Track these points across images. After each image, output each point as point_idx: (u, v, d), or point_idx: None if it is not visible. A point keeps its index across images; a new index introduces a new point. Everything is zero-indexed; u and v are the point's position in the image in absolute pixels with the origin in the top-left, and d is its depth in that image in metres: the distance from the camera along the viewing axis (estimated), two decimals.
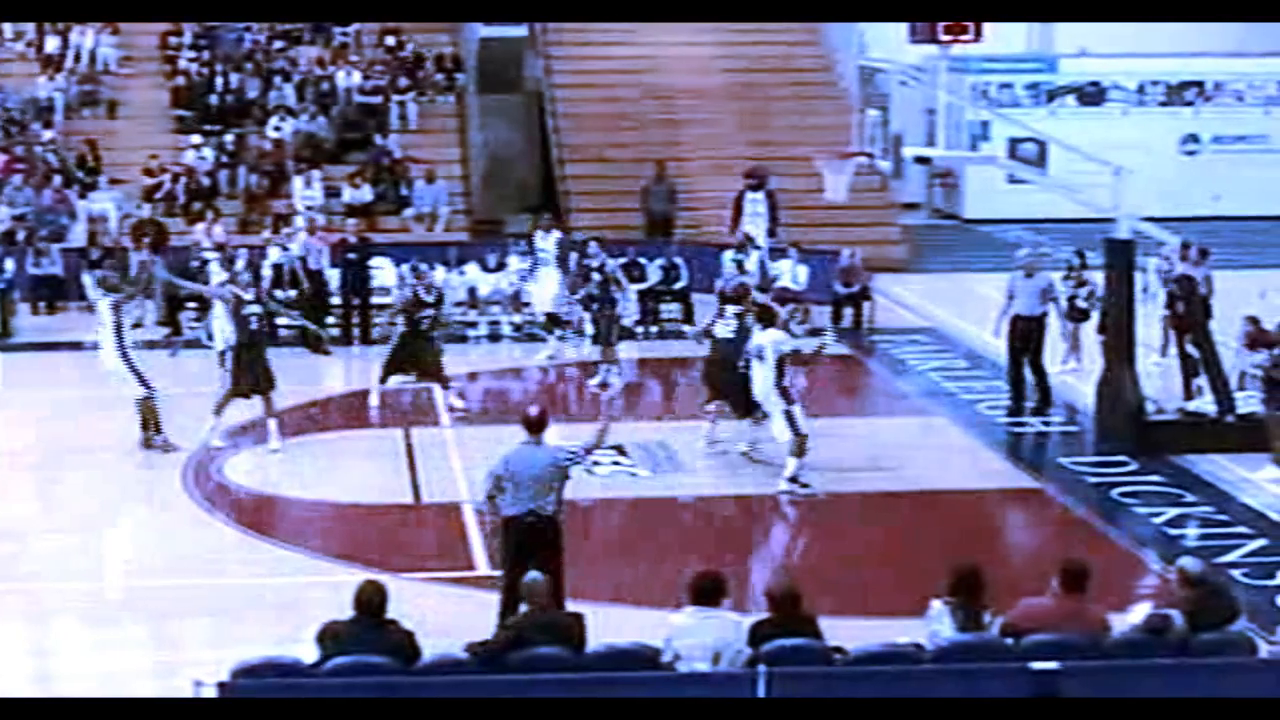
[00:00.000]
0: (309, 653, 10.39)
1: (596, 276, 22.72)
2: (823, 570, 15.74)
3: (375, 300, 25.49)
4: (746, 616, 10.85)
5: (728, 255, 25.31)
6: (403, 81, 33.41)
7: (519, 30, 33.45)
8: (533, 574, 10.96)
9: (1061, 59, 37.42)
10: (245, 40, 33.98)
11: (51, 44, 33.42)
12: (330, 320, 25.22)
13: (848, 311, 26.58)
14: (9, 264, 26.86)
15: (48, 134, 31.51)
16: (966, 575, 10.77)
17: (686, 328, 25.37)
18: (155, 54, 34.15)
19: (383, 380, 21.01)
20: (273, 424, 19.22)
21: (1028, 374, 21.11)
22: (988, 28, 20.24)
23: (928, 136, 23.38)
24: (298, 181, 30.67)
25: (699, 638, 10.49)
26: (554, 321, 24.60)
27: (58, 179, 30.28)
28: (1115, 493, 17.83)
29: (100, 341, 19.39)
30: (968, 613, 10.65)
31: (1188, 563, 11.13)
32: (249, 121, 32.49)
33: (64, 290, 27.46)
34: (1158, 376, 21.35)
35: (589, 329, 23.34)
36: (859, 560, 16.11)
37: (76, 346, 23.56)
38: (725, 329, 18.91)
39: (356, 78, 33.14)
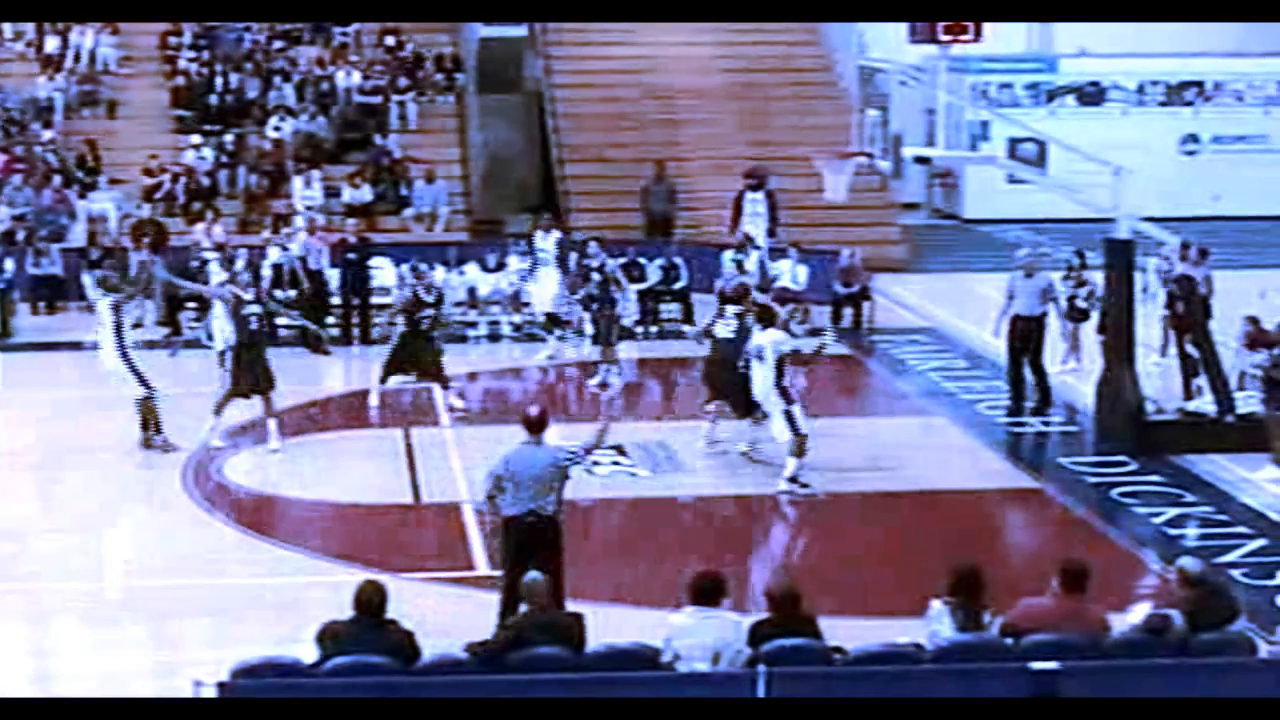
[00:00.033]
0: (309, 653, 10.39)
1: (596, 276, 22.72)
2: (823, 570, 15.74)
3: (375, 300, 25.49)
4: (746, 616, 10.85)
5: (728, 255, 25.31)
6: (403, 81, 33.41)
7: (519, 30, 33.45)
8: (533, 574, 10.96)
9: (1061, 59, 37.42)
10: (245, 40, 33.98)
11: (51, 44, 33.42)
12: (330, 320, 25.22)
13: (848, 311, 26.58)
14: (9, 264, 26.87)
15: (48, 134, 31.51)
16: (966, 575, 10.77)
17: (686, 328, 25.37)
18: (155, 54, 34.15)
19: (383, 380, 21.01)
20: (273, 424, 19.22)
21: (1028, 374, 21.11)
22: (988, 28, 20.24)
23: (928, 136, 23.38)
24: (297, 181, 30.67)
25: (699, 638, 10.49)
26: (554, 321, 24.60)
27: (57, 179, 30.28)
28: (1115, 493, 17.83)
29: (100, 341, 19.39)
30: (968, 613, 10.65)
31: (1188, 563, 11.13)
32: (249, 121, 32.50)
33: (64, 290, 27.47)
34: (1158, 376, 21.35)
35: (589, 329, 23.35)
36: (859, 560, 16.11)
37: (76, 346, 23.57)
38: (725, 329, 18.91)
39: (356, 78, 33.14)
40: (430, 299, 20.74)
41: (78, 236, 29.15)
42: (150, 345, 22.04)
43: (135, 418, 19.07)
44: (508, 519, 12.93)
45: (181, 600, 14.64)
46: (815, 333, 21.50)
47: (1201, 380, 20.12)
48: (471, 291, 26.53)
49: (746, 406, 18.53)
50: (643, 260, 26.96)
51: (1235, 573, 14.98)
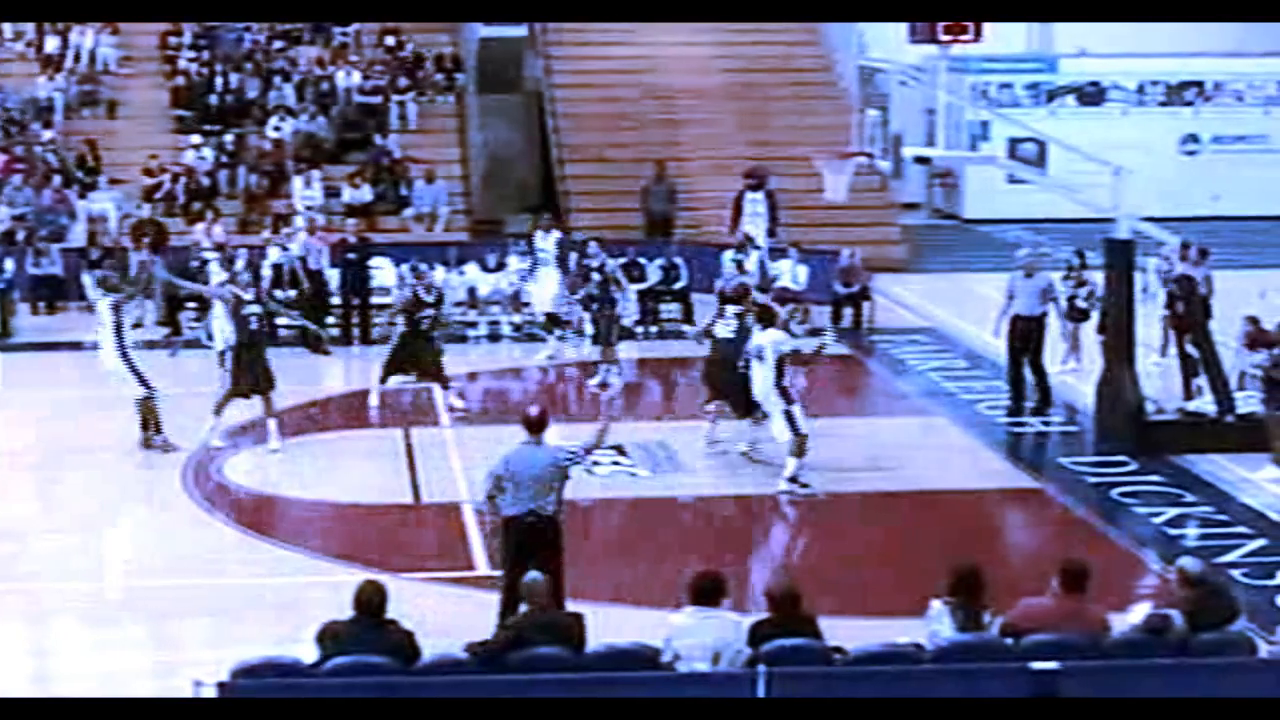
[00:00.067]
0: (309, 653, 10.39)
1: (596, 276, 22.72)
2: (823, 570, 15.73)
3: (375, 300, 25.49)
4: (746, 616, 10.85)
5: (728, 255, 25.30)
6: (402, 81, 33.41)
7: (519, 30, 33.45)
8: (533, 574, 10.96)
9: (1061, 59, 37.42)
10: (245, 40, 33.97)
11: (51, 44, 33.42)
12: (330, 320, 25.22)
13: (847, 311, 26.58)
14: (9, 264, 26.87)
15: (48, 134, 31.51)
16: (966, 575, 10.77)
17: (686, 328, 25.37)
18: (155, 54, 34.15)
19: (383, 380, 21.01)
20: (272, 424, 19.22)
21: (1027, 374, 21.11)
22: (987, 28, 20.23)
23: (927, 136, 23.39)
24: (297, 181, 30.67)
25: (699, 638, 10.49)
26: (554, 321, 24.60)
27: (57, 179, 30.28)
28: (1115, 493, 17.82)
29: (100, 341, 19.38)
30: (967, 613, 10.65)
31: (1188, 563, 11.13)
32: (249, 121, 32.49)
33: (64, 290, 27.47)
34: (1158, 376, 21.34)
35: (589, 329, 23.35)
36: (859, 560, 16.11)
37: (76, 346, 23.56)
38: (725, 329, 18.91)
39: (356, 78, 33.14)
40: (430, 299, 20.74)
41: (78, 236, 29.15)
42: (150, 345, 22.04)
43: (135, 418, 19.07)
44: (508, 519, 12.93)
45: (181, 600, 14.64)
46: (815, 333, 21.49)
47: (1201, 380, 20.12)
48: (471, 291, 26.53)
49: (746, 406, 18.53)
50: (643, 260, 26.96)
51: (1235, 573, 14.97)
